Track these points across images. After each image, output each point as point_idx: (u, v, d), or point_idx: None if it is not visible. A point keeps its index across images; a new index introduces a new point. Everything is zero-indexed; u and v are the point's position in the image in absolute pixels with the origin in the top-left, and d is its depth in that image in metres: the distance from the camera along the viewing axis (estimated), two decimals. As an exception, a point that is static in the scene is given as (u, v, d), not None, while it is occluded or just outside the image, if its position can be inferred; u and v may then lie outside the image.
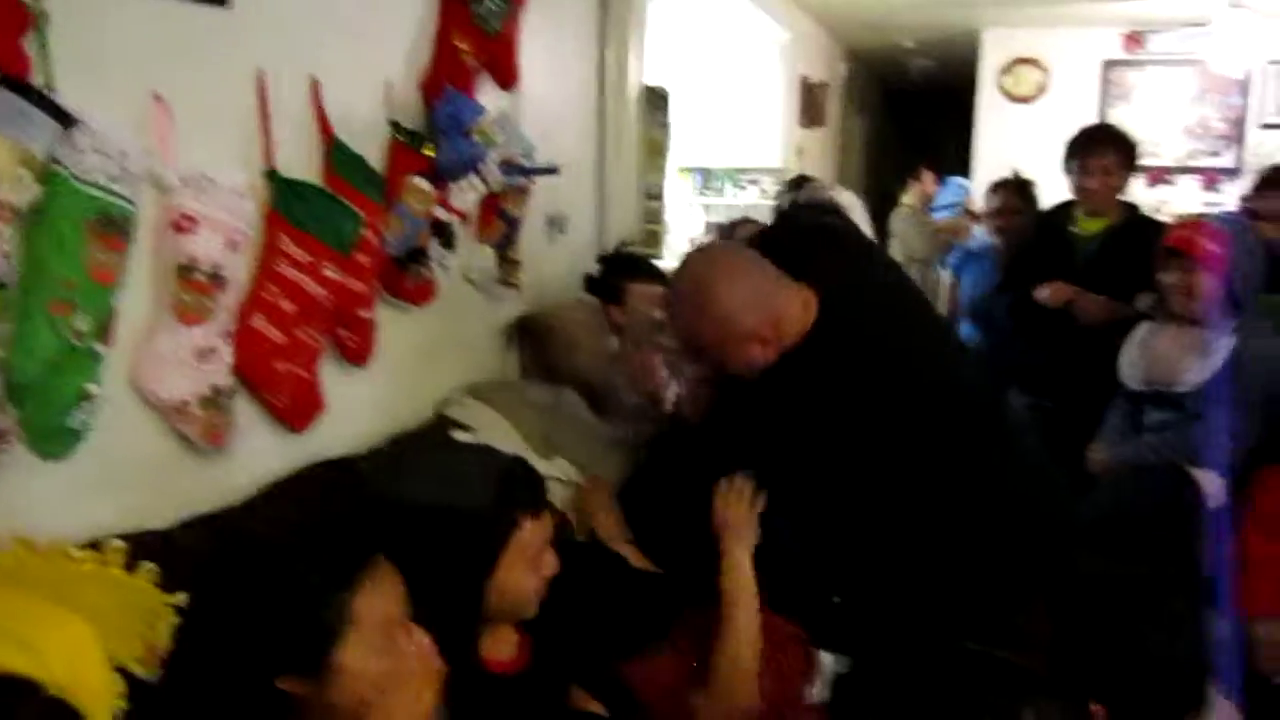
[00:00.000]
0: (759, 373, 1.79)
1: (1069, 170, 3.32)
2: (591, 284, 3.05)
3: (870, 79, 9.55)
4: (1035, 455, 2.08)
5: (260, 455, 1.93)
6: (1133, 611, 1.95)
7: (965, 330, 3.99)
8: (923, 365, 1.87)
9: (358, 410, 2.23)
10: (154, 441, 1.70)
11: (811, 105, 7.19)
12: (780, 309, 1.78)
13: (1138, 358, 2.80)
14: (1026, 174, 4.08)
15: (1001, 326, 3.64)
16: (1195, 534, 2.28)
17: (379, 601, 1.27)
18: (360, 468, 2.02)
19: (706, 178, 6.76)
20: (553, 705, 1.57)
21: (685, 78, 5.88)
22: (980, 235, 4.46)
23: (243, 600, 1.25)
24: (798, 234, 2.10)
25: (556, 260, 3.26)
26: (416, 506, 1.51)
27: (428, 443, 2.26)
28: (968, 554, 1.83)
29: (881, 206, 9.07)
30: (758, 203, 6.14)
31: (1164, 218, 3.46)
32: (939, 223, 5.28)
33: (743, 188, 6.63)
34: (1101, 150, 3.22)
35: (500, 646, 1.58)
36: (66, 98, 1.41)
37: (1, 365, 1.34)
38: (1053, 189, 4.27)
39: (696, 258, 1.93)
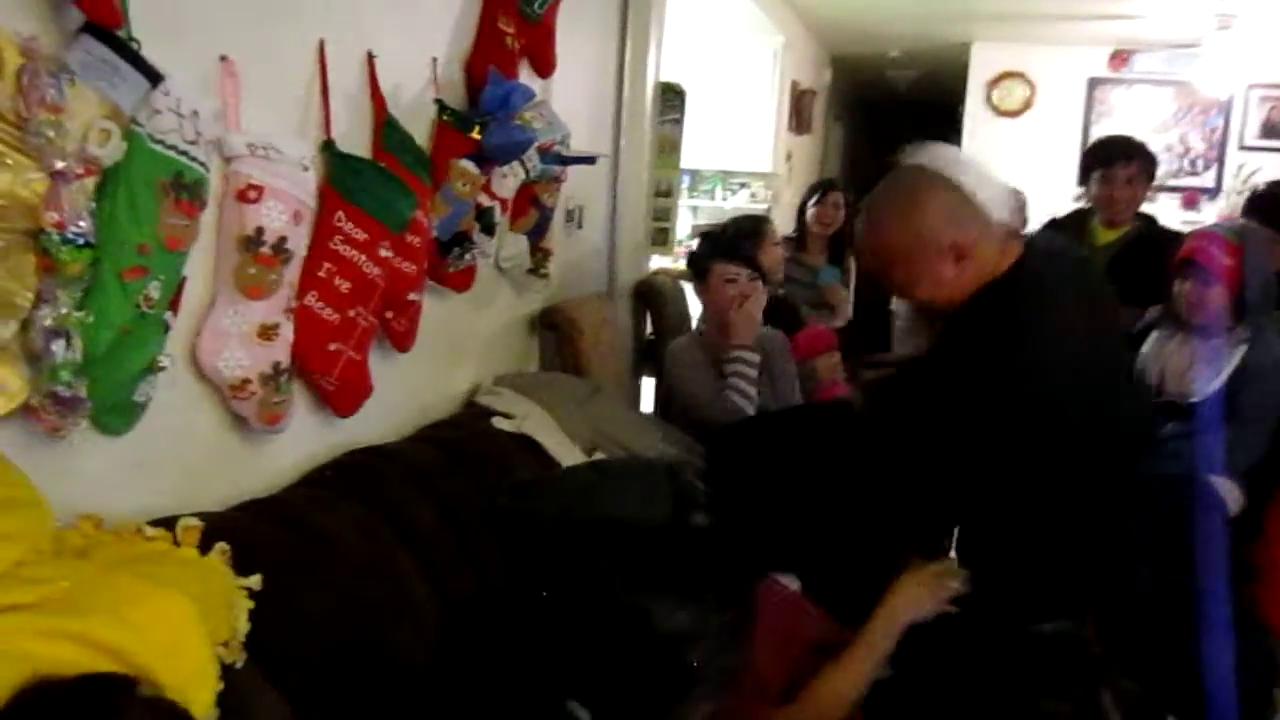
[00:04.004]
0: (938, 312, 1.74)
1: (1089, 180, 3.33)
2: (691, 258, 3.19)
3: (852, 87, 9.58)
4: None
5: (304, 439, 1.86)
6: (1185, 624, 1.94)
7: None
8: (1098, 357, 1.81)
9: (390, 397, 2.15)
10: (206, 420, 1.63)
11: (800, 111, 7.19)
12: (979, 236, 1.71)
13: (1149, 369, 2.81)
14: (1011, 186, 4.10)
15: None
16: (1215, 543, 2.29)
17: None
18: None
19: (695, 179, 6.71)
20: None
21: (680, 77, 5.85)
22: None
23: None
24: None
25: (574, 253, 3.21)
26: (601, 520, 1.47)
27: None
28: (1075, 546, 1.80)
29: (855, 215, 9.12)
30: (748, 206, 6.11)
31: (1179, 229, 3.48)
32: None
33: (733, 191, 6.58)
34: (1126, 161, 3.24)
35: None
36: (145, 55, 1.34)
37: (86, 332, 1.26)
38: (1037, 203, 4.30)
39: (909, 168, 1.81)
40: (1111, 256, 3.27)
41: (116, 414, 1.40)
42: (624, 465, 1.82)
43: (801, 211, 4.18)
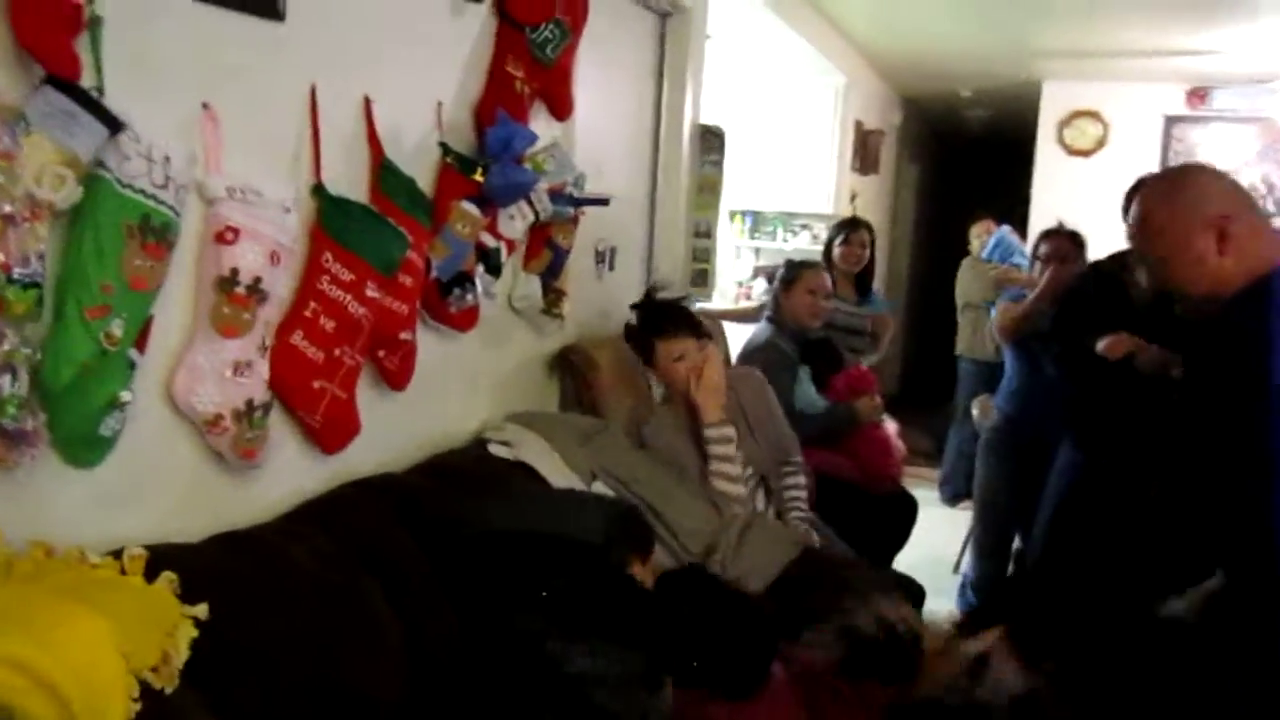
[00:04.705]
0: (1200, 307, 1.73)
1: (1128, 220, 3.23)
2: (628, 334, 2.91)
3: (925, 127, 9.50)
4: None
5: (292, 473, 1.90)
6: None
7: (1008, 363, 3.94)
8: None
9: (395, 432, 2.20)
10: (186, 454, 1.68)
11: (866, 151, 7.14)
12: (1243, 218, 1.72)
13: None
14: (1071, 226, 4.02)
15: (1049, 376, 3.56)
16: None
17: None
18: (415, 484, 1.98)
19: (757, 221, 6.72)
20: None
21: (739, 118, 5.87)
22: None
23: None
24: None
25: (603, 294, 3.24)
26: (531, 534, 1.48)
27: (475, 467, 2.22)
28: None
29: (935, 256, 9.02)
30: (809, 248, 6.09)
31: None
32: (995, 269, 5.21)
33: (794, 232, 6.58)
34: None
35: None
36: (116, 102, 1.40)
37: (34, 368, 1.32)
38: (1109, 245, 4.18)
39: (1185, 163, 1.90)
40: (1156, 296, 3.17)
41: (83, 447, 1.45)
42: (564, 492, 1.83)
43: (828, 250, 4.17)
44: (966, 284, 5.75)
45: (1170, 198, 1.78)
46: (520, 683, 1.18)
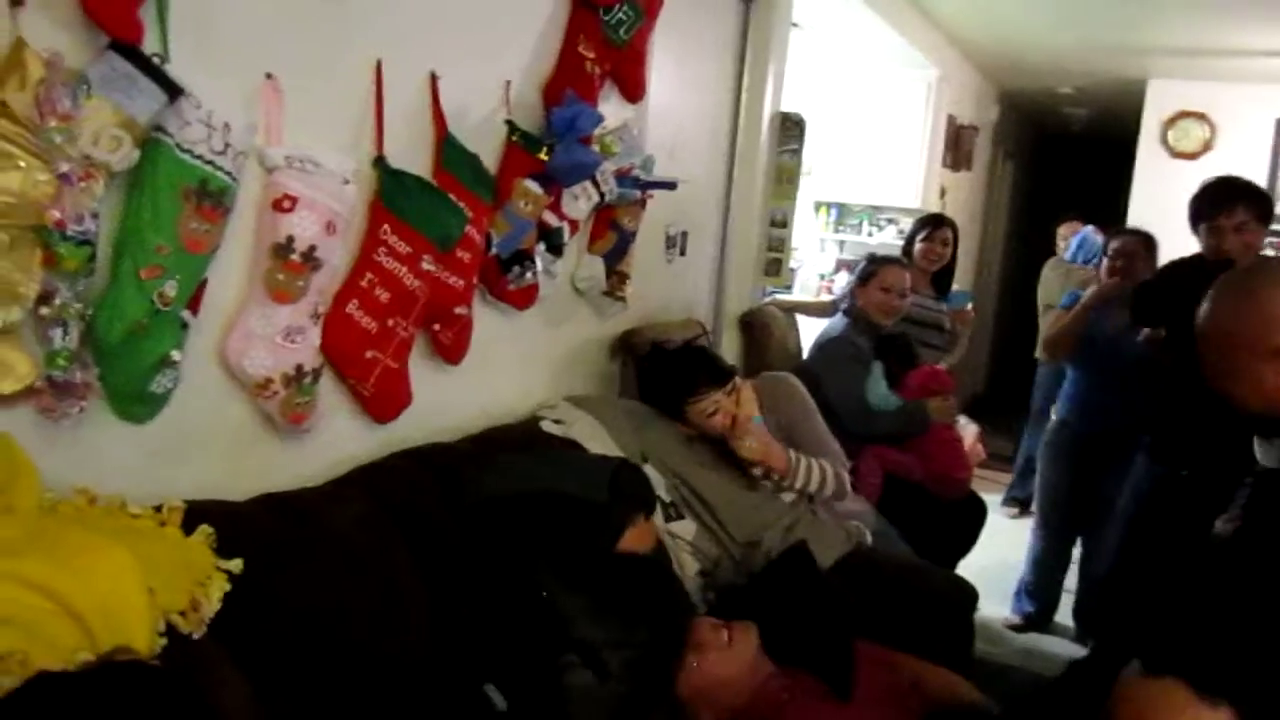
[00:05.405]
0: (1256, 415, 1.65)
1: (1198, 232, 3.10)
2: (645, 395, 2.64)
3: (1023, 124, 9.25)
4: None
5: (342, 440, 1.94)
6: None
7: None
8: None
9: (448, 406, 2.22)
10: (236, 416, 1.72)
11: (958, 147, 6.99)
12: None
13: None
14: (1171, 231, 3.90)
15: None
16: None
17: None
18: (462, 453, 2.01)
19: (843, 213, 6.63)
20: None
21: (827, 108, 5.79)
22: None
23: None
24: None
25: (673, 279, 3.23)
26: (537, 494, 1.50)
27: (523, 441, 2.23)
28: None
29: (1026, 256, 8.79)
30: (894, 243, 5.98)
31: None
32: (1081, 271, 5.06)
33: (880, 226, 6.46)
34: (1230, 206, 2.99)
35: None
36: (179, 70, 1.44)
37: (86, 323, 1.37)
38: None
39: (1270, 258, 1.77)
40: None
41: (135, 403, 1.50)
42: (573, 455, 1.84)
43: (909, 245, 4.08)
44: (1048, 285, 5.59)
45: (1235, 308, 1.63)
46: (527, 638, 1.20)
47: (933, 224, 4.11)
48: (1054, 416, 3.91)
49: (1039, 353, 5.63)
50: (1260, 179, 6.63)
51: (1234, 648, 1.50)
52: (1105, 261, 3.63)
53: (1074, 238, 5.53)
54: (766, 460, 2.41)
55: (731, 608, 1.89)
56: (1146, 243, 3.60)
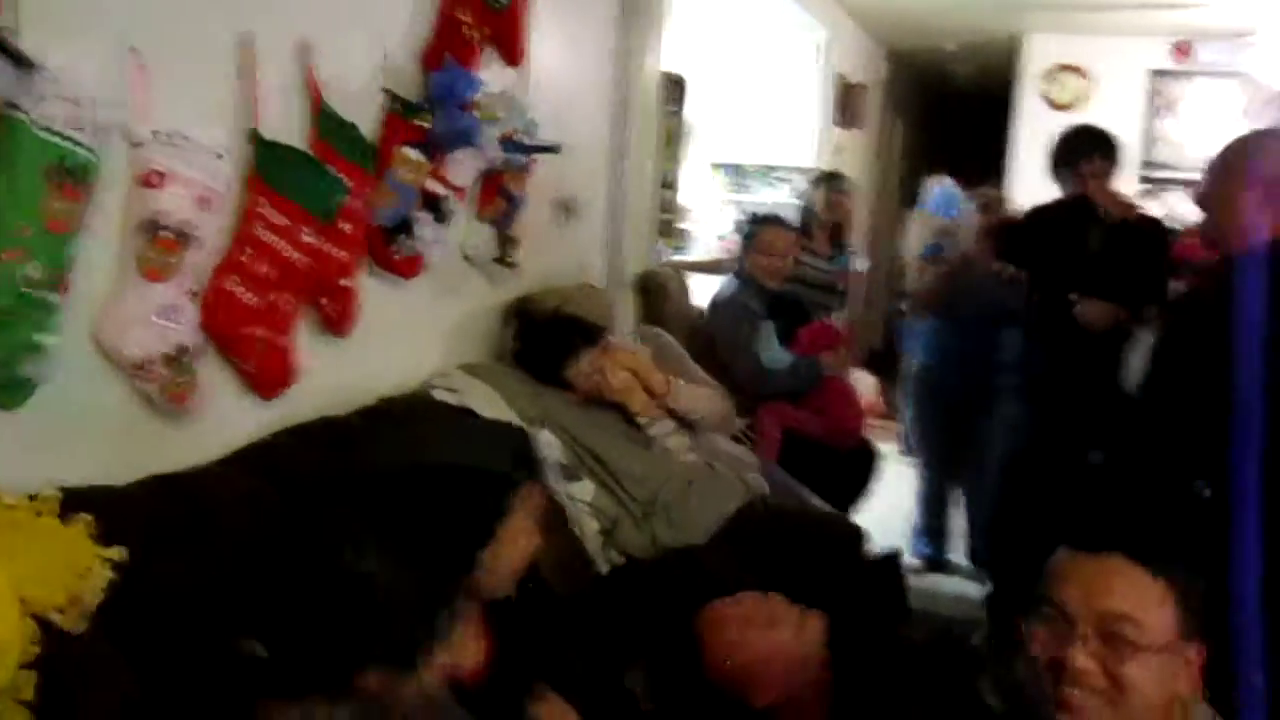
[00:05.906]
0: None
1: (1059, 178, 3.29)
2: (520, 359, 2.62)
3: (912, 82, 9.42)
4: None
5: (230, 418, 1.91)
6: None
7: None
8: None
9: (339, 379, 2.20)
10: (116, 399, 1.68)
11: (849, 106, 7.09)
12: None
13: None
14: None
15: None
16: None
17: None
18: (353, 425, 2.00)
19: (738, 174, 6.69)
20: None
21: (721, 71, 5.82)
22: None
23: None
24: None
25: (564, 244, 3.24)
26: (425, 465, 1.51)
27: (414, 409, 2.23)
28: None
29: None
30: (788, 201, 6.06)
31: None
32: (941, 221, 5.21)
33: (773, 185, 6.55)
34: (1089, 154, 3.21)
35: (465, 654, 1.53)
36: (32, 44, 1.38)
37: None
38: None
39: None
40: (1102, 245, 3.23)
41: (3, 390, 1.46)
42: (470, 419, 1.86)
43: (809, 202, 4.16)
44: (911, 237, 5.75)
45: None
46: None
47: (829, 178, 4.22)
48: (914, 362, 4.08)
49: (906, 307, 5.80)
50: (1134, 127, 6.92)
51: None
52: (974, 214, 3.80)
53: (936, 190, 5.68)
54: (648, 379, 2.50)
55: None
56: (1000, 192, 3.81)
